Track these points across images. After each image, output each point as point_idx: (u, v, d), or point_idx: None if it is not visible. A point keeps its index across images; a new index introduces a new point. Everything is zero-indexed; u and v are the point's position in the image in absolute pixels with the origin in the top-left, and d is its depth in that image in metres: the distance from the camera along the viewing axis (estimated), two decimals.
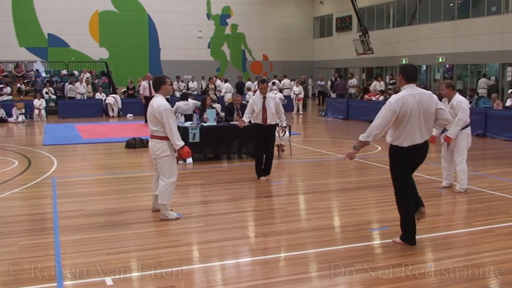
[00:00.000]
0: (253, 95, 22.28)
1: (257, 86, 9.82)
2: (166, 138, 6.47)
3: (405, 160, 5.48)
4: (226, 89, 25.69)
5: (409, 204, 5.52)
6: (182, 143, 6.48)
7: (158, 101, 6.47)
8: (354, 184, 8.94)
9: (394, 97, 5.45)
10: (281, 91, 25.70)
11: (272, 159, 9.31)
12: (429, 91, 5.68)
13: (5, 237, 6.01)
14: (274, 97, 9.31)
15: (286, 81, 27.51)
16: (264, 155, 9.17)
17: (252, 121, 9.24)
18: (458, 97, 7.99)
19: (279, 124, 10.01)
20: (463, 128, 7.98)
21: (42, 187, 8.76)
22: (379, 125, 5.39)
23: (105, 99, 22.93)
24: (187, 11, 33.23)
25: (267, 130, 9.06)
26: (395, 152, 5.51)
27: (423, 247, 5.48)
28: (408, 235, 5.54)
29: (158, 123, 6.45)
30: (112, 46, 31.84)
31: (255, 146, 9.56)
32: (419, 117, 5.37)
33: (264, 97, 9.01)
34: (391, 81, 26.20)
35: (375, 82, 25.24)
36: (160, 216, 6.63)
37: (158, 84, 6.65)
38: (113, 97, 23.04)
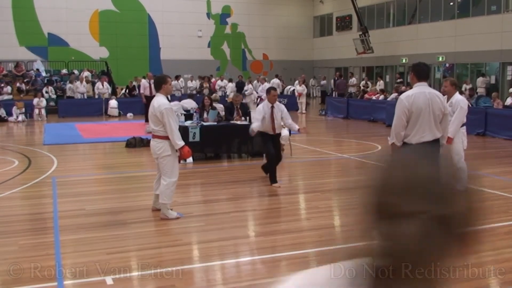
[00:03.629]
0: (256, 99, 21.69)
1: (266, 93, 9.13)
2: (167, 138, 6.47)
3: None
4: (231, 88, 25.62)
5: None
6: (182, 143, 6.48)
7: (159, 101, 6.48)
8: (354, 183, 8.91)
9: (404, 94, 5.55)
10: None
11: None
12: (442, 94, 5.76)
13: (5, 237, 6.01)
14: (281, 106, 8.82)
15: (268, 83, 24.34)
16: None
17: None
18: (457, 96, 8.00)
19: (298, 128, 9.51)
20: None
21: (42, 187, 8.76)
22: (395, 125, 5.46)
23: (104, 99, 22.90)
24: (187, 11, 33.22)
25: (273, 137, 8.70)
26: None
27: None
28: None
29: (159, 123, 6.45)
30: (112, 45, 31.83)
31: (266, 150, 8.90)
32: (429, 115, 5.39)
33: (272, 106, 8.55)
34: (398, 80, 26.25)
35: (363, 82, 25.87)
36: (160, 215, 6.63)
37: (159, 83, 6.66)
38: (116, 100, 23.06)
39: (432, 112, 5.43)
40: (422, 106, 5.38)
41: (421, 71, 5.59)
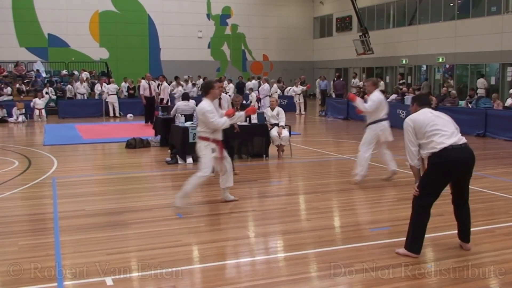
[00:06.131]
0: (256, 97, 21.53)
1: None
2: (203, 139, 7.09)
3: (445, 165, 5.07)
4: (231, 90, 25.49)
5: (423, 218, 5.22)
6: (224, 119, 7.03)
7: (201, 105, 7.09)
8: (354, 184, 8.93)
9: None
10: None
11: None
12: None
13: (5, 237, 6.01)
14: (228, 97, 9.41)
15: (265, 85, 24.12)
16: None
17: None
18: (375, 93, 8.67)
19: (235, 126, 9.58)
20: (374, 123, 8.65)
21: (42, 187, 8.76)
22: (407, 146, 5.28)
23: (105, 98, 22.82)
24: (187, 11, 33.24)
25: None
26: (434, 160, 5.08)
27: (423, 247, 5.47)
28: (414, 246, 5.24)
29: (201, 125, 7.11)
30: (112, 46, 31.85)
31: None
32: (443, 122, 5.19)
33: (220, 98, 9.06)
34: (400, 81, 26.26)
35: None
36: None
37: (207, 89, 7.19)
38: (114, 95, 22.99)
39: (446, 121, 5.22)
40: (428, 117, 5.20)
41: (422, 99, 5.51)
